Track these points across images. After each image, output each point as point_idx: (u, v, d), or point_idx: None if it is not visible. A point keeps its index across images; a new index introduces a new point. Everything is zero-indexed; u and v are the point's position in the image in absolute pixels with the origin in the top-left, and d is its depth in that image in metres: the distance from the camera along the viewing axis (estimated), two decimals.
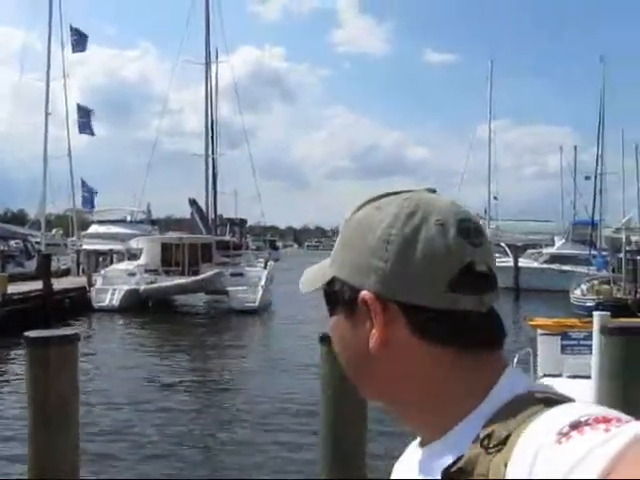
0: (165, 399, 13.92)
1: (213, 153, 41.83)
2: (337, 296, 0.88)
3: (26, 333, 5.65)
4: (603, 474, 0.56)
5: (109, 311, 28.33)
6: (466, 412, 0.80)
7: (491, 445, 0.71)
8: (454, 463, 0.74)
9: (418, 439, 0.91)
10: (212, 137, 41.85)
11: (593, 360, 6.55)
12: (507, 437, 0.70)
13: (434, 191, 0.88)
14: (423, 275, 0.80)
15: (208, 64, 41.54)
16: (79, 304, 28.19)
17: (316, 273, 0.93)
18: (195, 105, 42.79)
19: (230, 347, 21.19)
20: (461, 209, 0.85)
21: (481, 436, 0.73)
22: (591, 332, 7.39)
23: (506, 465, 0.67)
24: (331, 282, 0.89)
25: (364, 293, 0.83)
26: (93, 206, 45.50)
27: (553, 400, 0.74)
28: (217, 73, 43.81)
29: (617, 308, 21.63)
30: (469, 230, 0.83)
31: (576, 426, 0.63)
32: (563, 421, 0.64)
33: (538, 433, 0.66)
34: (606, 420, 0.63)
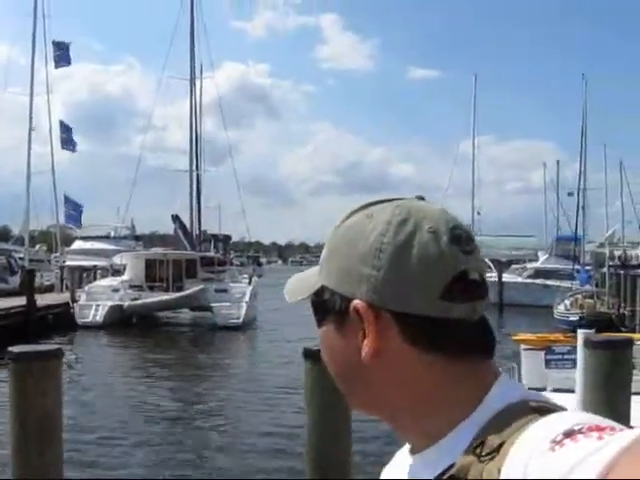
0: (147, 417, 13.78)
1: (197, 169, 41.77)
2: (327, 305, 0.85)
3: (10, 348, 5.61)
4: None
5: (93, 327, 28.12)
6: (458, 420, 0.79)
7: (484, 453, 0.70)
8: (446, 471, 0.74)
9: (407, 446, 0.90)
10: (196, 153, 41.85)
11: (577, 374, 6.57)
12: (500, 445, 0.69)
13: (423, 199, 0.88)
14: (417, 283, 0.79)
15: (193, 80, 41.62)
16: (62, 320, 28.01)
17: (303, 282, 0.91)
18: (179, 121, 42.73)
19: (214, 365, 21.02)
20: (452, 216, 0.85)
21: (474, 444, 0.73)
22: (575, 346, 7.43)
23: (499, 471, 0.67)
24: (320, 291, 0.86)
25: (356, 302, 0.81)
26: (80, 222, 45.27)
27: (546, 409, 0.74)
28: (202, 89, 43.90)
29: (601, 323, 21.77)
30: (461, 237, 0.82)
31: (570, 434, 0.63)
32: (557, 429, 0.64)
33: (531, 441, 0.66)
34: (599, 429, 0.63)
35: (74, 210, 42.66)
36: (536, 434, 0.67)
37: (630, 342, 6.45)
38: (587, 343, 6.23)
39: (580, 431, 0.63)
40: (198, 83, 42.69)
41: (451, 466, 0.73)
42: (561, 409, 0.75)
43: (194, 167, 41.26)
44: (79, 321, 28.66)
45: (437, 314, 0.79)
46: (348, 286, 0.83)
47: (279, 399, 14.99)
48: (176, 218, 38.96)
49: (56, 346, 5.86)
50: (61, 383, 5.79)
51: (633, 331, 21.90)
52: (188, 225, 39.89)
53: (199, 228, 41.81)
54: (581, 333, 6.64)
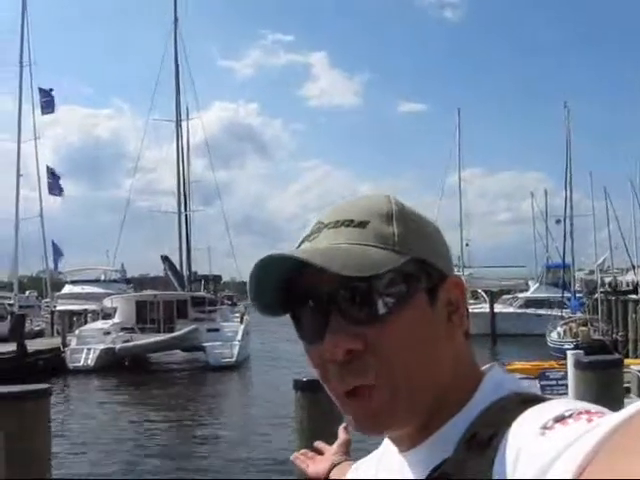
0: (141, 461, 13.59)
1: (186, 210, 41.85)
2: (417, 281, 0.80)
3: None
4: (586, 462, 0.55)
5: (84, 371, 27.81)
6: (451, 414, 0.79)
7: (476, 446, 0.71)
8: (439, 466, 0.74)
9: (383, 446, 0.91)
10: (185, 194, 41.96)
11: (569, 396, 6.56)
12: (492, 437, 0.70)
13: None
14: (450, 261, 0.88)
15: (179, 122, 41.90)
16: (54, 365, 27.63)
17: (362, 257, 0.77)
18: (168, 163, 42.89)
19: (208, 406, 20.73)
20: None
21: (466, 437, 0.73)
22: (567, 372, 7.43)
23: (492, 463, 0.67)
24: (400, 267, 0.78)
25: (456, 278, 0.85)
26: (57, 267, 45.35)
27: (536, 399, 0.74)
28: (188, 131, 44.16)
29: (595, 349, 21.74)
30: None
31: (560, 419, 0.63)
32: (547, 416, 0.65)
33: (522, 428, 0.66)
34: (589, 413, 0.63)
35: (55, 254, 42.83)
36: (527, 422, 0.67)
37: (620, 362, 6.45)
38: (577, 364, 6.23)
39: (570, 416, 0.63)
40: (185, 125, 43.06)
41: (444, 461, 0.73)
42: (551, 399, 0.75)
43: (182, 208, 41.36)
44: (70, 366, 28.28)
45: None
46: (442, 262, 0.84)
47: (274, 437, 14.82)
48: (165, 259, 38.96)
49: (45, 385, 5.77)
50: (49, 423, 5.72)
51: (626, 356, 21.90)
52: (178, 266, 39.84)
53: (189, 269, 41.78)
54: (571, 355, 6.63)
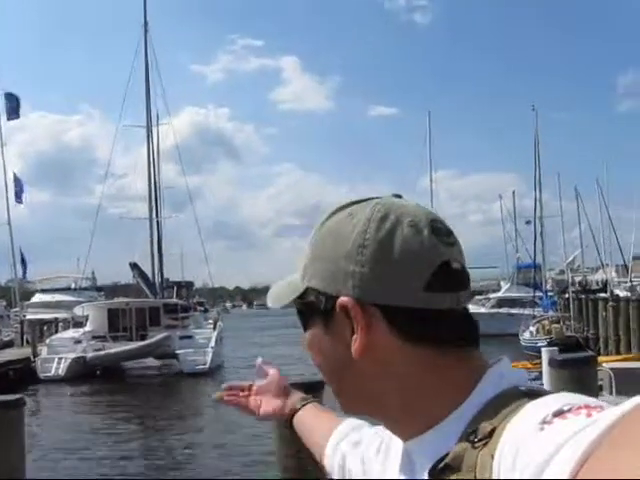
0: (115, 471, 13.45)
1: (157, 216, 41.51)
2: (312, 307, 0.87)
3: None
4: (584, 456, 0.55)
5: (56, 381, 27.42)
6: (450, 409, 0.79)
7: (477, 440, 0.71)
8: (441, 460, 0.74)
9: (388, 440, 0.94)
10: (156, 200, 41.61)
11: None
12: (492, 430, 0.70)
13: (400, 196, 0.90)
14: (401, 275, 0.81)
15: (149, 128, 41.55)
16: (24, 375, 27.27)
17: (285, 288, 0.92)
18: (139, 169, 42.43)
19: (181, 414, 20.57)
20: (430, 211, 0.87)
21: (467, 431, 0.74)
22: (542, 372, 7.46)
23: (493, 457, 0.67)
24: (304, 294, 0.88)
25: (342, 299, 0.82)
26: (25, 276, 44.87)
27: (537, 393, 0.74)
28: (159, 136, 43.80)
29: (569, 346, 22.01)
30: (441, 230, 0.84)
31: (559, 414, 0.63)
32: (547, 410, 0.65)
33: (522, 423, 0.67)
34: (589, 407, 0.63)
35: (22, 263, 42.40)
36: (527, 416, 0.67)
37: (594, 359, 6.50)
38: (552, 362, 6.27)
39: (569, 410, 0.63)
40: (155, 130, 42.69)
41: (446, 455, 0.73)
42: (552, 394, 0.76)
43: (154, 214, 41.00)
44: (41, 375, 27.85)
45: (422, 305, 0.81)
46: (334, 285, 0.84)
47: (249, 445, 14.75)
48: (134, 266, 38.49)
49: (18, 396, 5.67)
50: (24, 434, 5.62)
51: (598, 354, 22.16)
52: (149, 273, 39.46)
53: (161, 275, 41.41)
54: (546, 352, 6.67)
